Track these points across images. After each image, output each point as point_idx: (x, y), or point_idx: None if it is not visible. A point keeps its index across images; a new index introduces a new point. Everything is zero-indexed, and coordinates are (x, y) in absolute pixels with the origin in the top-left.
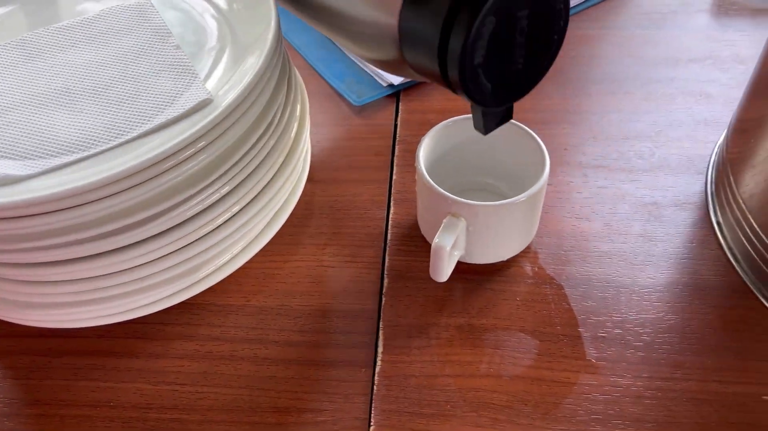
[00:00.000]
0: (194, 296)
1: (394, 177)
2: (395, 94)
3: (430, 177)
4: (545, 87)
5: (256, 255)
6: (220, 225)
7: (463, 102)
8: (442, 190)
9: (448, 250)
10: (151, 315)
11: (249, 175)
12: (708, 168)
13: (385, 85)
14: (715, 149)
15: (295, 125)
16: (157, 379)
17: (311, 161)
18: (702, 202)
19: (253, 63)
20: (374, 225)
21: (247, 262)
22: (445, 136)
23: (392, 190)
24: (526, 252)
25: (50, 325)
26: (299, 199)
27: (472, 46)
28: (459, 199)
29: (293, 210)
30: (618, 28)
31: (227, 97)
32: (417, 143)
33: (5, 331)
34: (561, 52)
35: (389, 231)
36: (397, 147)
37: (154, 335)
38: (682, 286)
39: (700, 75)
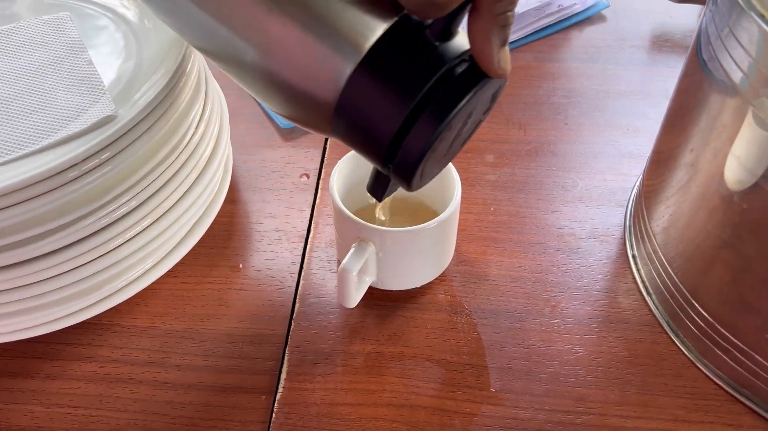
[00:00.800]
0: (98, 315)
1: (317, 201)
2: None
3: (347, 202)
4: None
5: (167, 275)
6: (125, 242)
7: None
8: (351, 214)
9: (354, 275)
10: (52, 333)
11: (157, 190)
12: (628, 201)
13: None
14: (636, 182)
15: (210, 143)
16: (51, 401)
17: (235, 181)
18: (620, 235)
19: (158, 80)
20: (292, 248)
21: (156, 283)
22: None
23: (314, 214)
24: (441, 279)
25: None
26: (217, 219)
27: (430, 147)
28: (367, 223)
29: (210, 230)
30: (554, 60)
31: (128, 114)
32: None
33: None
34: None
35: (306, 256)
36: (323, 170)
37: (53, 355)
38: (592, 318)
39: (629, 108)
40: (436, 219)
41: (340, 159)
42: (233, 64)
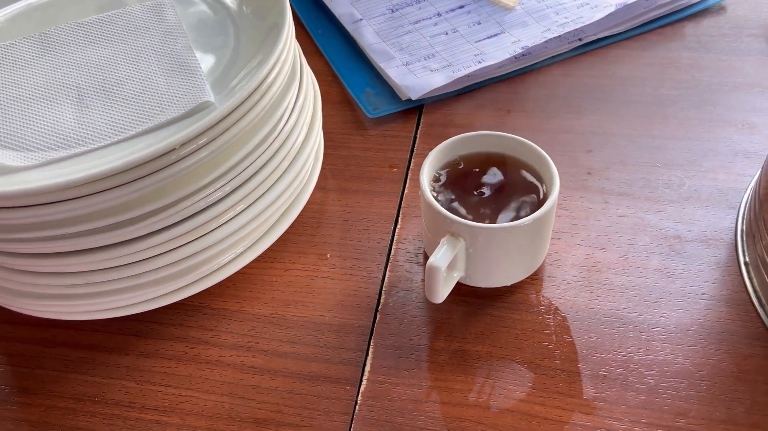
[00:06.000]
0: (190, 297)
1: (406, 191)
2: (419, 106)
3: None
4: (573, 106)
5: (256, 261)
6: (218, 227)
7: (487, 116)
8: (441, 208)
9: (443, 271)
10: (146, 313)
11: (250, 177)
12: (741, 203)
13: (404, 99)
14: (751, 183)
15: (303, 131)
16: (143, 378)
17: (324, 169)
18: (731, 239)
19: (254, 67)
20: (380, 239)
21: (246, 268)
22: (457, 151)
23: (402, 205)
24: (533, 278)
25: (45, 315)
26: (307, 207)
27: None
28: (458, 218)
29: (300, 217)
30: (663, 50)
31: (224, 101)
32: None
33: (2, 318)
34: (596, 72)
35: (393, 247)
36: (413, 160)
37: (146, 333)
38: (696, 328)
39: (745, 103)
40: (532, 216)
41: (430, 150)
42: None
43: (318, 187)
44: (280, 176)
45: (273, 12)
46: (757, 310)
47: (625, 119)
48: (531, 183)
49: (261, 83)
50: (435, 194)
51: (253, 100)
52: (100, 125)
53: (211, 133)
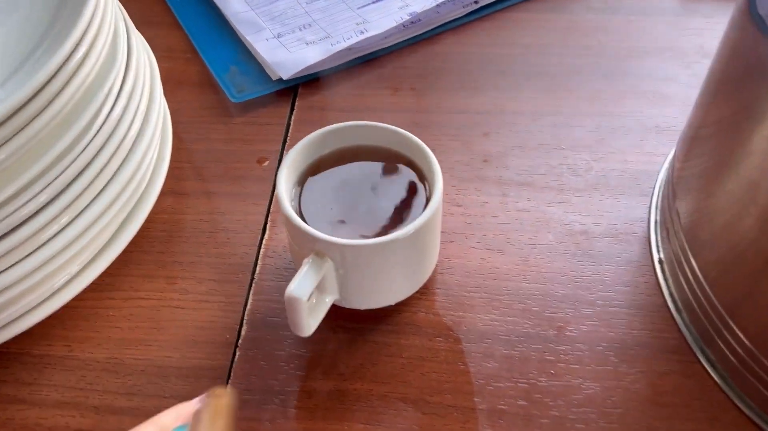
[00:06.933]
0: (6, 342)
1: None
2: (292, 88)
3: (306, 199)
4: (468, 81)
5: (89, 290)
6: (35, 249)
7: (372, 97)
8: (300, 223)
9: (304, 301)
10: None
11: (70, 182)
12: (654, 189)
13: (274, 78)
14: (665, 165)
15: (136, 121)
16: None
17: (175, 168)
18: (644, 232)
19: (49, 47)
20: (243, 253)
21: (76, 299)
22: (324, 146)
23: (271, 209)
24: (422, 292)
25: None
26: (152, 217)
27: None
28: (321, 235)
29: (143, 230)
30: (566, 12)
31: (15, 94)
32: None
33: None
34: (494, 40)
35: (259, 263)
36: (285, 153)
37: None
38: (608, 344)
39: (657, 70)
40: (411, 226)
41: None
42: None
43: (167, 191)
44: (111, 179)
45: None
46: (673, 317)
47: (526, 94)
48: (412, 182)
49: (63, 64)
50: (297, 202)
51: (55, 86)
52: None
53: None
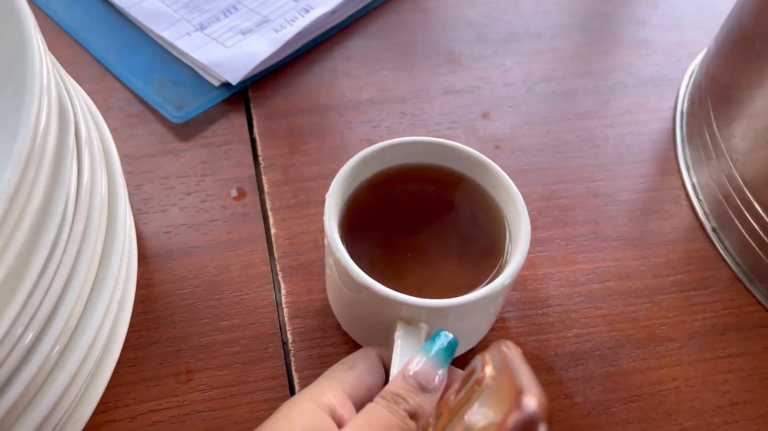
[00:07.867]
0: None
1: (273, 230)
2: (240, 92)
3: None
4: (440, 55)
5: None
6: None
7: (338, 89)
8: (385, 289)
9: None
10: None
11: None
12: (677, 149)
13: (217, 84)
14: (677, 117)
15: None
16: None
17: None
18: (683, 195)
19: None
20: (262, 319)
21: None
22: (370, 168)
23: (274, 253)
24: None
25: None
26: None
27: None
28: (415, 300)
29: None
30: None
31: None
32: (290, 163)
33: None
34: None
35: (288, 330)
36: (264, 178)
37: None
38: (698, 334)
39: (636, 12)
40: (506, 274)
41: (281, 156)
42: None
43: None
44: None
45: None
46: (748, 290)
47: (510, 60)
48: (487, 213)
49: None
50: (347, 247)
51: None
52: None
53: None
